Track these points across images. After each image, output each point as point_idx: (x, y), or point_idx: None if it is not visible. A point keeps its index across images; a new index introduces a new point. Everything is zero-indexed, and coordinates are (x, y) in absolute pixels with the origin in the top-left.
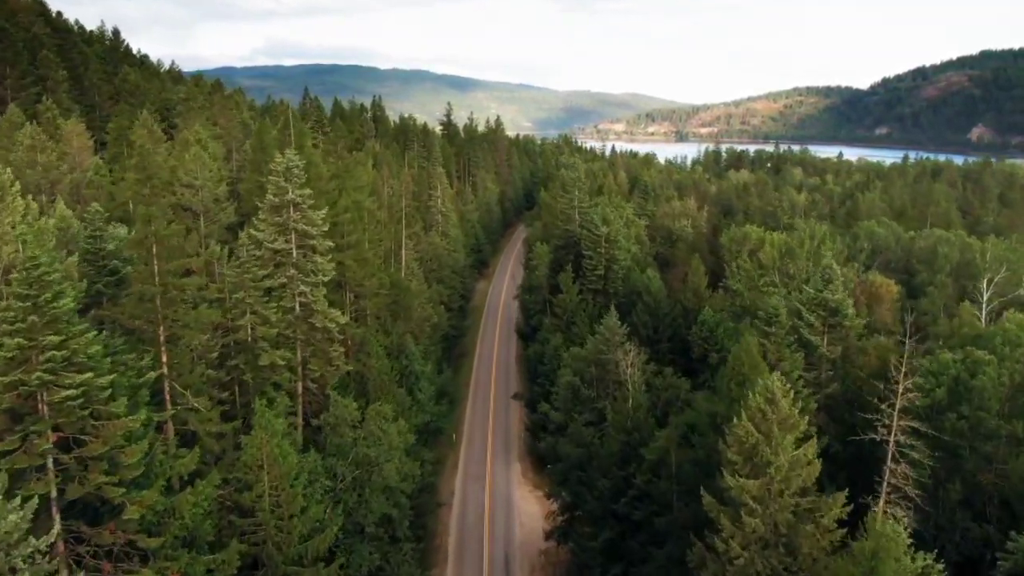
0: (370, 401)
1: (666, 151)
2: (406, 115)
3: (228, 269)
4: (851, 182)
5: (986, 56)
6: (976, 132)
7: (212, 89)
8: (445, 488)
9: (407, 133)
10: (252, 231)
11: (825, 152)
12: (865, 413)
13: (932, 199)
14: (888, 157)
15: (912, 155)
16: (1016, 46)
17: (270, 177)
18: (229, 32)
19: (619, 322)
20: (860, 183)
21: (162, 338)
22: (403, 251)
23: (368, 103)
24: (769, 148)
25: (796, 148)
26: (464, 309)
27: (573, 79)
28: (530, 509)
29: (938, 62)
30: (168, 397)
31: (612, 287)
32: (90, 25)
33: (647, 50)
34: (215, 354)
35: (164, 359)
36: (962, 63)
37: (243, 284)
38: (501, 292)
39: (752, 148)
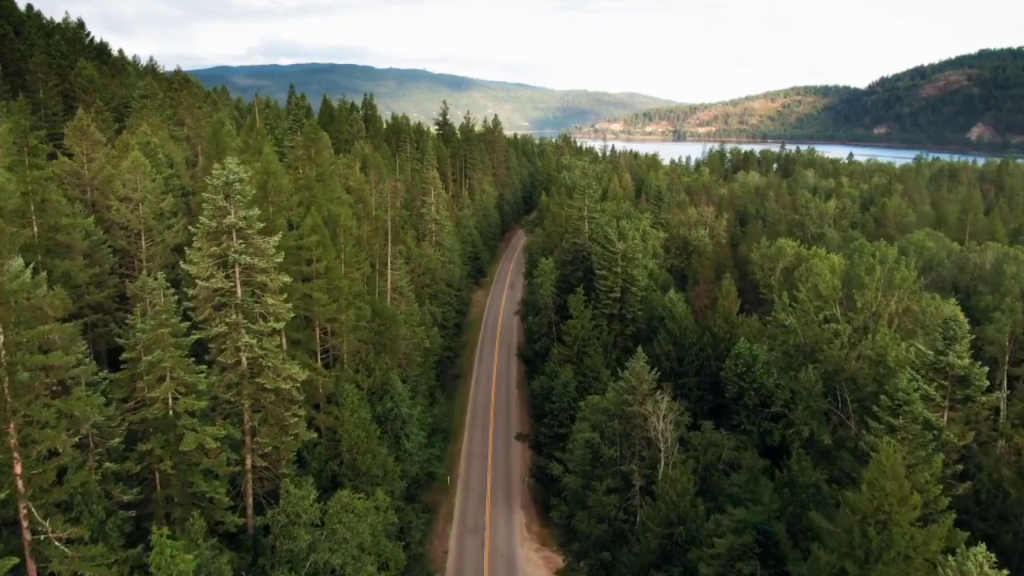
0: (344, 464)
1: (664, 151)
2: (400, 115)
3: (139, 321)
4: (868, 185)
5: (985, 55)
6: (976, 131)
7: (179, 85)
8: (438, 545)
9: (399, 134)
10: (184, 264)
11: (827, 152)
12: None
13: (971, 205)
14: (889, 157)
15: (913, 155)
16: (1015, 45)
17: (204, 195)
18: (225, 31)
19: (648, 365)
20: (880, 186)
21: (13, 441)
22: (389, 270)
23: (360, 102)
24: (774, 148)
25: (804, 148)
26: (460, 325)
27: (570, 78)
28: (536, 573)
29: (936, 61)
30: (25, 527)
31: (630, 311)
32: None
33: (644, 49)
34: (118, 439)
35: (17, 470)
36: (961, 62)
37: (160, 340)
38: (500, 304)
39: (756, 148)
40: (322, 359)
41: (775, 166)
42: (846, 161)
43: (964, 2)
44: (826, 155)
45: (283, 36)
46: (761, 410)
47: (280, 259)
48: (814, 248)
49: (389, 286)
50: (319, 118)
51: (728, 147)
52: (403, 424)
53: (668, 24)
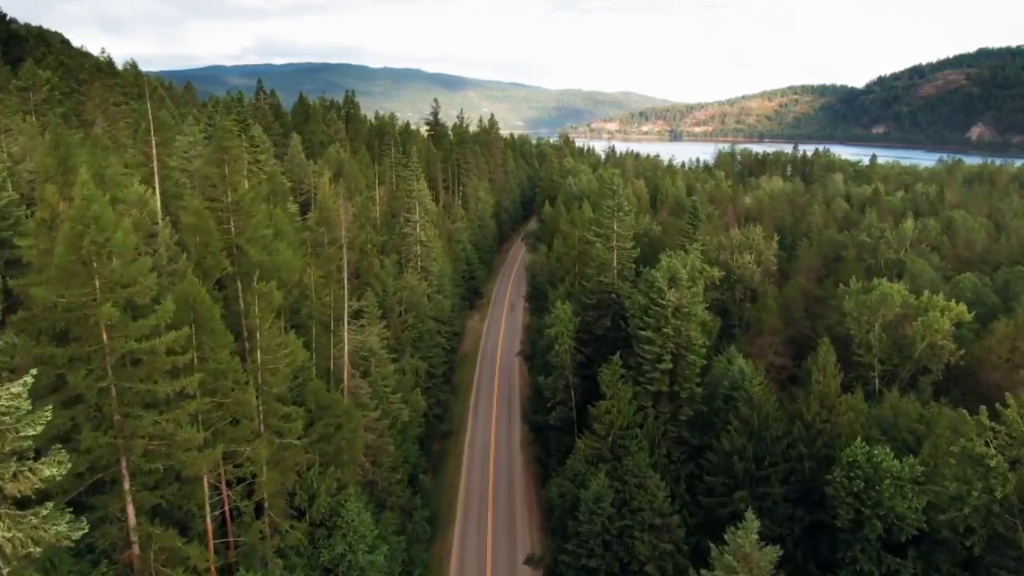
0: None
1: (662, 151)
2: (386, 114)
3: None
4: (911, 193)
5: (984, 54)
6: (976, 131)
7: (89, 76)
8: None
9: (383, 135)
10: None
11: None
12: None
13: None
14: (890, 157)
15: (914, 155)
16: (1014, 44)
17: None
18: (220, 31)
19: (757, 536)
20: (924, 195)
21: None
22: (346, 333)
23: (348, 100)
24: (784, 148)
25: (820, 148)
26: (451, 363)
27: (565, 77)
28: None
29: (935, 60)
30: None
31: (685, 387)
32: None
33: (639, 48)
34: None
35: None
36: (959, 61)
37: None
38: (499, 332)
39: (760, 149)
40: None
41: (789, 168)
42: (867, 163)
43: (961, 2)
44: (842, 156)
45: (278, 36)
46: (887, 540)
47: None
48: (928, 296)
49: (346, 357)
50: (292, 117)
51: (737, 148)
52: (362, 573)
53: (664, 24)
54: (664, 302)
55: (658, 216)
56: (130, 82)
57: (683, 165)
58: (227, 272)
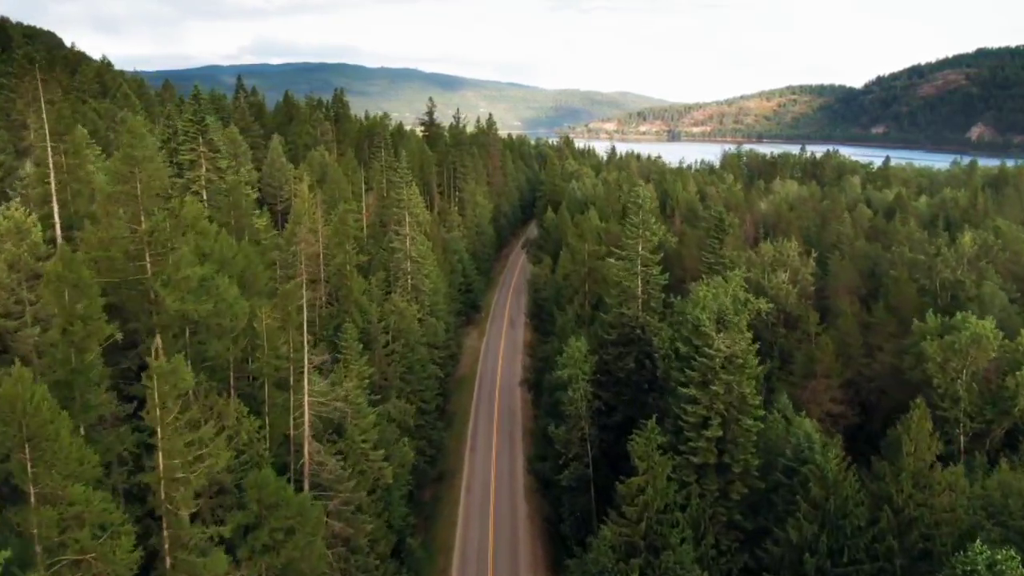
0: None
1: (660, 151)
2: (378, 113)
3: None
4: (936, 199)
5: (982, 54)
6: (976, 131)
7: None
8: None
9: (373, 136)
10: None
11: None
12: None
13: None
14: (896, 157)
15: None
16: (1013, 44)
17: None
18: (217, 31)
19: None
20: (952, 200)
21: None
22: (306, 400)
23: (337, 99)
24: (788, 148)
25: (829, 149)
26: (446, 391)
27: (562, 77)
28: None
29: (933, 60)
30: None
31: (738, 460)
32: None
33: (637, 49)
34: None
35: None
36: (958, 61)
37: None
38: (499, 351)
39: (771, 150)
40: None
41: (797, 171)
42: (878, 164)
43: (958, 2)
44: (852, 158)
45: (276, 35)
46: None
47: None
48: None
49: (307, 427)
50: (275, 117)
51: (743, 148)
52: None
53: (661, 24)
54: (712, 351)
55: (671, 225)
56: (89, 78)
57: (689, 167)
58: (113, 338)
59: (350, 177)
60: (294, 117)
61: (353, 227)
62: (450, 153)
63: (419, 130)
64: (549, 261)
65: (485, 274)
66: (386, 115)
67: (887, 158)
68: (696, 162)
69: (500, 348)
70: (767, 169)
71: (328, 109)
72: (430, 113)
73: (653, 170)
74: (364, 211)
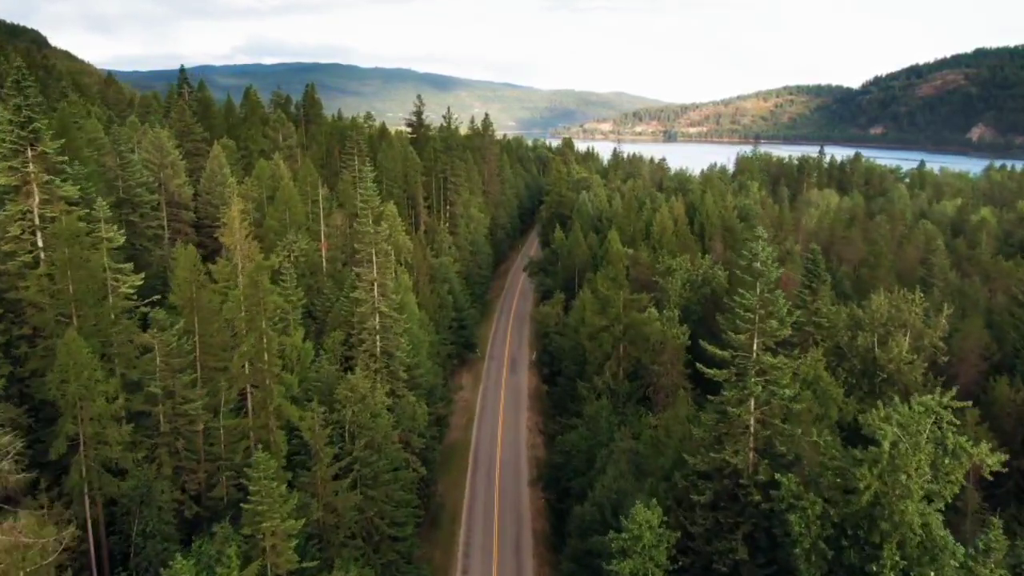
0: None
1: (657, 151)
2: (360, 113)
3: None
4: (1012, 214)
5: (981, 54)
6: (976, 132)
7: None
8: None
9: (344, 140)
10: None
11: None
12: None
13: None
14: (891, 158)
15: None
16: (1011, 44)
17: None
18: (209, 30)
19: None
20: None
21: None
22: None
23: (308, 96)
24: (810, 151)
25: (850, 152)
26: (432, 471)
27: (557, 78)
28: None
29: (931, 60)
30: None
31: None
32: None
33: (632, 49)
34: None
35: None
36: (957, 61)
37: None
38: (498, 410)
39: (789, 153)
40: None
41: (814, 174)
42: (907, 169)
43: (955, 2)
44: (879, 162)
45: (269, 35)
46: None
47: None
48: None
49: None
50: (226, 118)
51: (758, 150)
52: None
53: (657, 24)
54: None
55: (711, 250)
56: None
57: (703, 173)
58: None
59: (309, 193)
60: (247, 118)
61: (291, 280)
62: (439, 159)
63: (406, 132)
64: (560, 297)
65: (480, 298)
66: (369, 115)
67: (922, 162)
68: (707, 166)
69: (500, 402)
70: (790, 174)
71: (299, 109)
72: (418, 113)
73: (665, 176)
74: (322, 241)
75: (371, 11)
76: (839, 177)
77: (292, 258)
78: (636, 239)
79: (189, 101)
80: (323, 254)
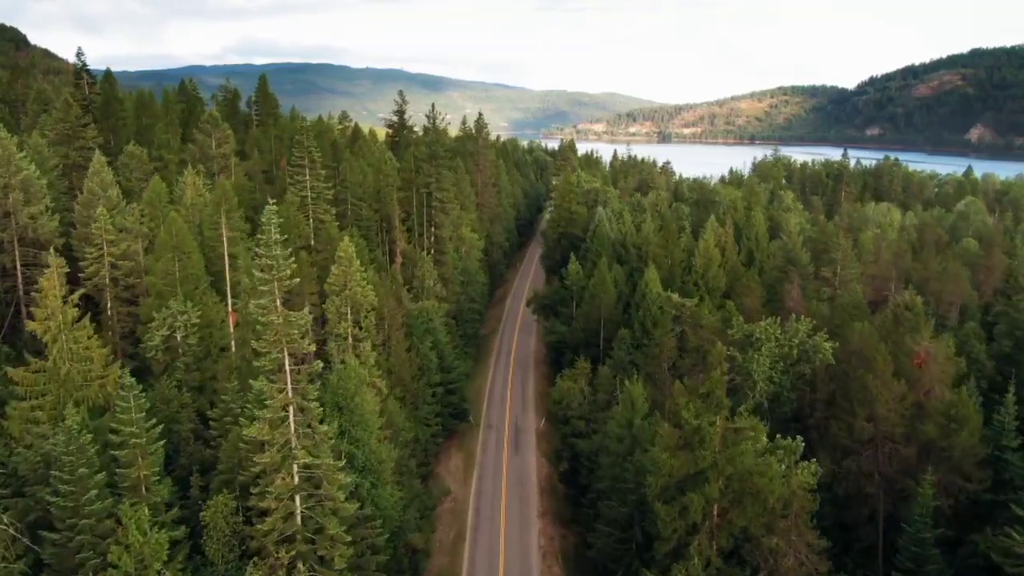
0: None
1: (652, 152)
2: (332, 114)
3: None
4: None
5: (977, 54)
6: (975, 132)
7: None
8: None
9: (292, 149)
10: None
11: (822, 154)
12: None
13: None
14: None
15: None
16: (1008, 44)
17: None
18: (199, 30)
19: None
20: None
21: None
22: None
23: (262, 91)
24: (792, 151)
25: (889, 157)
26: None
27: (549, 78)
28: None
29: (927, 60)
30: None
31: None
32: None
33: (624, 49)
34: None
35: None
36: (953, 62)
37: None
38: (499, 512)
39: (811, 157)
40: None
41: (842, 181)
42: (949, 174)
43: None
44: (910, 166)
45: (259, 35)
46: None
47: None
48: None
49: None
50: (136, 119)
51: (778, 153)
52: None
53: (649, 24)
54: None
55: (783, 295)
56: None
57: (722, 179)
58: None
59: (226, 227)
60: (166, 117)
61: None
62: (422, 169)
63: (386, 131)
64: (584, 366)
65: (473, 340)
66: (345, 114)
67: (969, 167)
68: (724, 172)
69: (502, 504)
70: (817, 181)
71: (254, 105)
72: (400, 112)
73: (686, 186)
74: (229, 312)
75: (362, 11)
76: (874, 185)
77: (176, 338)
78: (675, 276)
79: (91, 96)
80: (231, 329)
